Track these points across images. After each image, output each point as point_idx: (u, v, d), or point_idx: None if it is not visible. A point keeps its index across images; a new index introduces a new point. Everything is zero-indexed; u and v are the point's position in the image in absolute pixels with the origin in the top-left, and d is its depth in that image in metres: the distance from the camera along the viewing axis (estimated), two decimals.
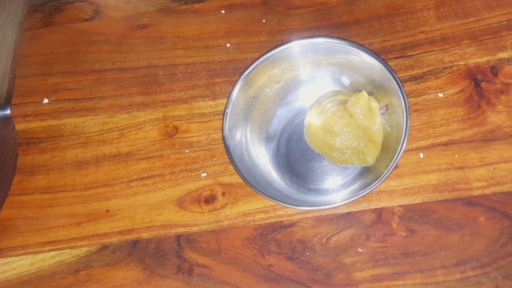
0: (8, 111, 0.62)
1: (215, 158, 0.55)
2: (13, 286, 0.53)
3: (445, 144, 0.52)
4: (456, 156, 0.51)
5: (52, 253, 0.54)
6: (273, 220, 0.52)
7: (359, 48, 0.50)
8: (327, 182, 0.53)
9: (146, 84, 0.60)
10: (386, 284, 0.48)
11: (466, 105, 0.53)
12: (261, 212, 0.52)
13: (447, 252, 0.48)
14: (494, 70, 0.54)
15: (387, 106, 0.52)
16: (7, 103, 0.63)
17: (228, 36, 0.61)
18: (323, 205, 0.49)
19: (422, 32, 0.57)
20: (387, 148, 0.51)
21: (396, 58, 0.56)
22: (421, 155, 0.52)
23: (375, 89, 0.52)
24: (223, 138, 0.50)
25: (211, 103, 0.58)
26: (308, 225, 0.51)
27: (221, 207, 0.53)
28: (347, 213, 0.51)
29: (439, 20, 0.57)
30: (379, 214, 0.51)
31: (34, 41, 0.66)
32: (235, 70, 0.59)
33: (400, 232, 0.50)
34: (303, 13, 0.61)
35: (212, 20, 0.63)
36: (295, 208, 0.51)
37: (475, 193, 0.50)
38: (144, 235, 0.53)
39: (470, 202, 0.50)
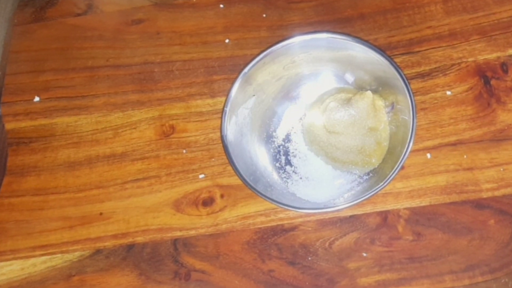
0: None
1: (213, 159, 0.55)
2: None
3: (453, 144, 0.52)
4: (465, 156, 0.51)
5: (43, 257, 0.54)
6: (273, 224, 0.52)
7: (363, 44, 0.49)
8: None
9: (142, 82, 0.60)
10: None
11: (475, 103, 0.53)
12: (261, 215, 0.52)
13: (455, 257, 0.48)
14: (504, 66, 0.54)
15: (392, 105, 0.51)
16: None
17: (227, 31, 0.61)
18: (326, 208, 0.49)
19: (429, 27, 0.57)
20: (392, 149, 0.51)
21: (402, 54, 0.56)
22: (428, 155, 0.52)
23: (380, 87, 0.52)
24: (222, 137, 0.50)
25: (209, 101, 0.58)
26: (310, 229, 0.51)
27: (220, 210, 0.53)
28: (351, 216, 0.51)
29: (447, 14, 0.57)
30: (385, 217, 0.50)
31: (25, 36, 0.65)
32: (234, 67, 0.59)
33: (406, 236, 0.50)
34: (305, 7, 0.61)
35: (210, 14, 0.63)
36: (296, 211, 0.51)
37: (485, 195, 0.50)
38: (139, 239, 0.53)
39: (479, 204, 0.50)
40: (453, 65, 0.55)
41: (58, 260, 0.53)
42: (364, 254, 0.49)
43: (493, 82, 0.54)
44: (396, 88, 0.49)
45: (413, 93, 0.47)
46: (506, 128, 0.52)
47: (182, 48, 0.61)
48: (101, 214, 0.55)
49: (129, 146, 0.57)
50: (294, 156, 0.54)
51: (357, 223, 0.51)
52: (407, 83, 0.48)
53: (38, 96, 0.61)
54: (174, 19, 0.63)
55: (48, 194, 0.56)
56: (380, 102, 0.52)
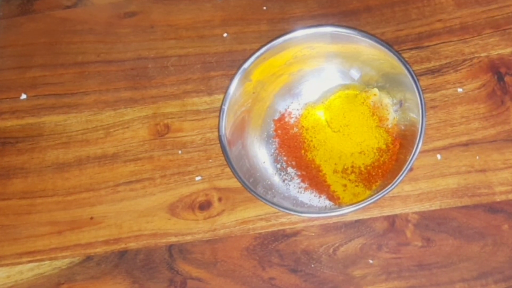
0: None
1: (210, 160, 0.55)
2: None
3: (465, 144, 0.52)
4: (477, 157, 0.51)
5: (31, 264, 0.54)
6: (274, 229, 0.52)
7: (370, 38, 0.49)
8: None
9: (135, 78, 0.60)
10: None
11: (488, 101, 0.53)
12: (261, 219, 0.52)
13: (467, 264, 0.48)
14: None
15: (401, 102, 0.52)
16: None
17: (225, 25, 0.61)
18: (330, 212, 0.49)
19: (440, 20, 0.57)
20: (400, 149, 0.51)
21: (411, 49, 0.56)
22: (439, 156, 0.52)
23: (388, 84, 0.52)
24: (220, 137, 0.50)
25: (206, 99, 0.58)
26: (313, 234, 0.51)
27: (217, 214, 0.53)
28: (357, 221, 0.51)
29: (458, 7, 0.57)
30: (392, 222, 0.50)
31: (11, 30, 0.65)
32: (232, 63, 0.59)
33: (415, 241, 0.50)
34: None
35: (207, 7, 0.63)
36: (299, 215, 0.51)
37: (498, 198, 0.50)
38: (132, 245, 0.53)
39: (492, 208, 0.50)
40: (464, 60, 0.55)
41: (46, 267, 0.53)
42: (371, 261, 0.49)
43: (507, 78, 0.54)
44: (404, 85, 0.49)
45: (422, 90, 0.47)
46: None
47: (178, 43, 0.61)
48: (91, 218, 0.55)
49: (121, 146, 0.57)
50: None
51: (363, 228, 0.51)
52: (416, 80, 0.48)
53: (25, 93, 0.61)
54: (169, 12, 0.63)
55: (36, 198, 0.56)
56: (387, 100, 0.52)
